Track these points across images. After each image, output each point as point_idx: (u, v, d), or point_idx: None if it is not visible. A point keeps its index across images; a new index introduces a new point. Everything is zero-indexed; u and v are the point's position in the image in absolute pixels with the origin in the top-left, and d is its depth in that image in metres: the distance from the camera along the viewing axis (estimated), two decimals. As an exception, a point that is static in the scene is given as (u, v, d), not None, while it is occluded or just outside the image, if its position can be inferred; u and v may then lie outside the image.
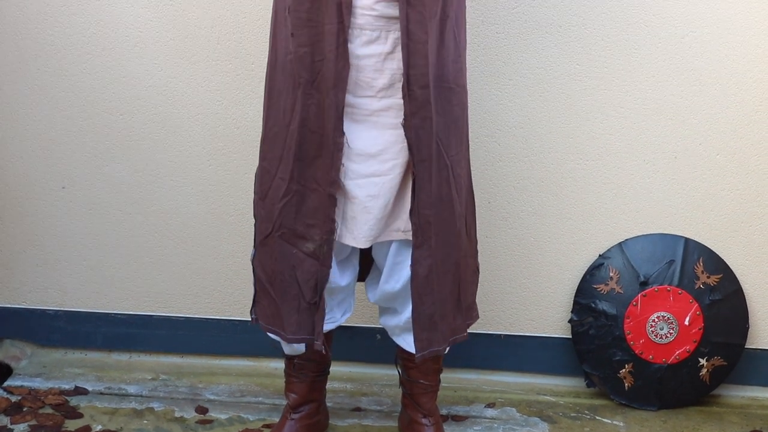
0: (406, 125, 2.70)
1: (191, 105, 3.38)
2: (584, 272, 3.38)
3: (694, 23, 3.22)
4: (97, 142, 3.43)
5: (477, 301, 3.00)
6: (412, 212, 2.74)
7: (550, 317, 3.46)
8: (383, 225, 2.79)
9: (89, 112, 3.41)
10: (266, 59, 2.86)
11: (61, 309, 3.57)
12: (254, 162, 2.90)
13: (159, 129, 3.40)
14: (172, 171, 3.43)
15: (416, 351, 2.82)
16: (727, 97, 3.27)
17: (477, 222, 3.05)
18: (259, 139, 2.84)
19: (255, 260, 2.88)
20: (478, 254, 2.99)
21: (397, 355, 3.07)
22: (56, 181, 3.47)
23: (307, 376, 3.05)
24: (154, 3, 3.31)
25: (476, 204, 3.11)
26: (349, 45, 2.67)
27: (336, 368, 3.25)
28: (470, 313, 2.95)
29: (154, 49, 3.34)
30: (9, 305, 3.58)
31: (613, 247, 3.37)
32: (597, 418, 3.30)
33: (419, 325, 2.81)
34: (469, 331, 2.94)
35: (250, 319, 2.99)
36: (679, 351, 3.33)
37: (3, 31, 3.37)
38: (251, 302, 2.92)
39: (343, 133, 2.70)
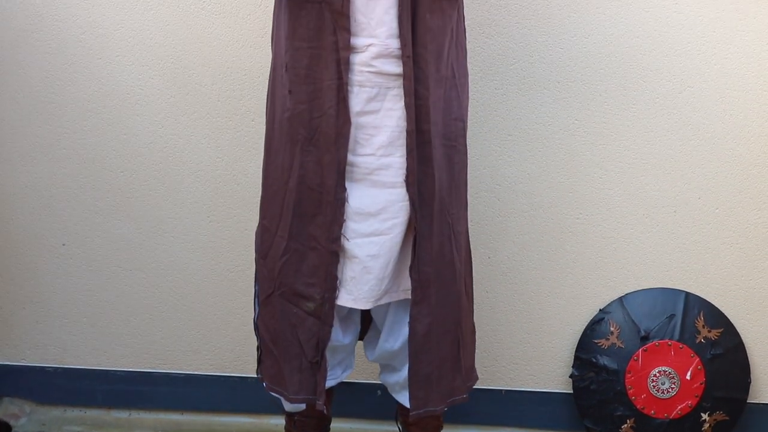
0: (409, 182, 2.70)
1: (192, 162, 3.39)
2: (585, 327, 3.38)
3: (691, 78, 3.24)
4: (98, 198, 3.44)
5: (477, 356, 2.99)
6: (412, 269, 2.73)
7: (551, 372, 3.44)
8: (384, 286, 2.77)
9: (90, 169, 3.42)
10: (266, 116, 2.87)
11: (61, 366, 3.56)
12: (255, 218, 2.90)
13: (159, 185, 3.41)
14: (172, 227, 3.44)
15: (411, 409, 2.80)
16: (725, 151, 3.28)
17: (477, 276, 3.05)
18: (259, 195, 2.84)
19: (258, 320, 2.87)
20: (474, 313, 2.98)
21: (398, 412, 3.05)
22: (56, 238, 3.48)
23: None
24: (156, 60, 3.33)
25: (476, 259, 3.11)
26: (349, 102, 2.68)
27: (336, 424, 3.24)
28: (470, 374, 2.92)
29: (155, 106, 3.36)
30: (8, 363, 3.57)
31: (613, 301, 3.37)
32: (599, 474, 3.29)
33: (415, 383, 2.78)
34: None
35: (250, 376, 2.98)
36: (681, 406, 3.31)
37: (5, 88, 3.39)
38: (257, 361, 2.90)
39: (345, 188, 2.69)
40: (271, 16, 2.85)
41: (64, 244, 3.48)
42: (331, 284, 2.73)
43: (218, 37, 3.31)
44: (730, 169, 3.29)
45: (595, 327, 3.36)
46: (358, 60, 2.67)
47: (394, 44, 2.65)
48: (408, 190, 2.70)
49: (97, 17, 3.32)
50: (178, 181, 3.41)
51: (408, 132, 2.68)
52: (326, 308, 2.74)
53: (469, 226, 2.87)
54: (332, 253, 2.71)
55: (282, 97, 2.74)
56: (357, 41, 2.66)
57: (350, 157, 2.71)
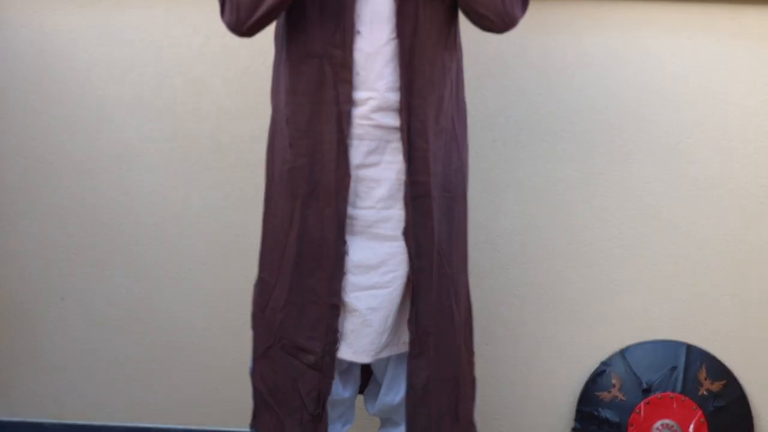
0: (407, 235, 2.70)
1: (191, 214, 3.39)
2: (586, 380, 3.36)
3: (688, 130, 3.25)
4: (97, 253, 3.44)
5: (477, 409, 2.97)
6: (410, 321, 2.72)
7: (552, 426, 3.42)
8: (384, 339, 2.76)
9: (89, 224, 3.42)
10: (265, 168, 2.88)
11: (59, 421, 3.54)
12: (253, 270, 2.90)
13: (158, 238, 3.41)
14: (171, 280, 3.43)
15: None
16: (723, 202, 3.29)
17: (477, 328, 3.04)
18: (258, 248, 2.84)
19: (254, 373, 2.85)
20: (475, 366, 2.96)
21: (398, 466, 3.03)
22: (55, 292, 3.47)
23: None
24: (154, 115, 3.34)
25: (476, 311, 3.10)
26: (349, 155, 2.68)
27: (337, 480, 3.21)
28: (470, 428, 2.90)
29: (153, 160, 3.37)
30: (5, 418, 3.55)
31: (614, 353, 3.36)
32: None
33: None
34: (470, 439, 2.90)
35: (249, 430, 2.95)
36: (684, 459, 3.29)
37: (5, 147, 3.40)
38: (252, 415, 2.89)
39: (345, 242, 2.69)
40: (270, 68, 2.87)
41: (62, 298, 3.47)
42: (331, 337, 2.72)
43: (216, 91, 3.32)
44: (729, 220, 3.29)
45: (596, 379, 3.35)
46: (358, 113, 2.68)
47: (394, 97, 2.66)
48: (406, 242, 2.70)
49: (97, 75, 3.34)
50: (176, 233, 3.41)
51: (406, 184, 2.68)
52: (327, 361, 2.73)
53: (469, 277, 2.87)
54: (332, 306, 2.70)
55: (282, 150, 2.74)
56: (357, 95, 2.67)
57: (350, 210, 2.71)
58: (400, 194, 2.71)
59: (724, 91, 3.23)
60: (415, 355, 2.73)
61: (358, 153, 2.70)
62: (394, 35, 2.65)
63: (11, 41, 3.35)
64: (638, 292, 3.35)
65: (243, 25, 2.65)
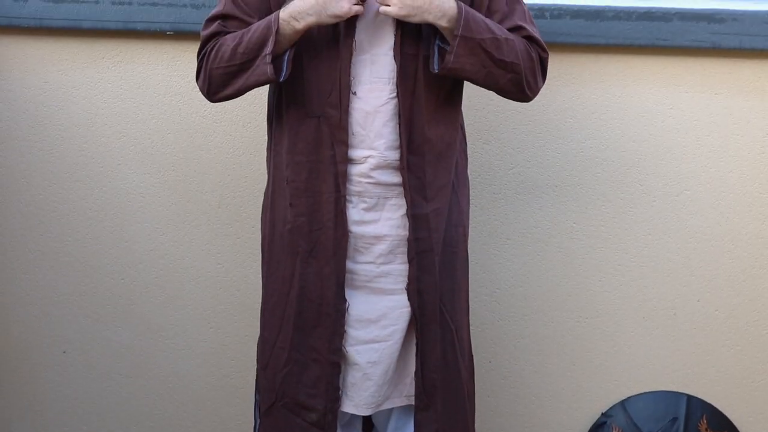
0: (410, 290, 2.71)
1: (192, 268, 3.40)
2: (587, 431, 3.36)
3: (688, 181, 3.27)
4: (98, 306, 3.44)
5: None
6: (417, 375, 2.72)
7: (554, 477, 3.42)
8: (385, 391, 2.76)
9: (91, 276, 3.43)
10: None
11: (60, 475, 3.54)
12: (255, 324, 2.90)
13: (160, 292, 3.42)
14: (173, 335, 3.44)
15: None
16: (723, 253, 3.30)
17: (478, 380, 3.04)
18: (259, 301, 2.85)
19: (259, 430, 2.85)
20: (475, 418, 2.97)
21: None
22: (57, 345, 3.47)
23: None
24: (157, 168, 3.36)
25: (477, 362, 3.10)
26: (348, 213, 2.70)
27: None
28: None
29: (156, 213, 3.38)
30: (7, 472, 3.55)
31: (615, 405, 3.36)
32: None
33: None
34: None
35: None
36: None
37: (8, 197, 3.42)
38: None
39: (345, 300, 2.70)
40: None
41: (64, 352, 3.47)
42: (333, 395, 2.72)
43: (218, 145, 3.34)
44: (728, 271, 3.30)
45: (597, 431, 3.35)
46: (357, 171, 2.70)
47: (393, 155, 2.68)
48: (409, 299, 2.71)
49: (99, 127, 3.36)
50: (178, 287, 3.41)
51: (408, 241, 2.69)
52: (329, 419, 2.73)
53: (470, 330, 2.88)
54: (333, 364, 2.71)
55: (283, 210, 2.75)
56: (356, 153, 2.69)
57: (350, 265, 2.73)
58: (400, 249, 2.72)
59: (722, 144, 3.25)
60: (422, 408, 2.73)
61: (357, 210, 2.72)
62: (394, 95, 2.67)
63: (14, 94, 3.38)
64: (638, 343, 3.35)
65: (212, 96, 2.73)
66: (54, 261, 3.44)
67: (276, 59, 2.62)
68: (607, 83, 3.25)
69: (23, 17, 3.30)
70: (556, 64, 3.20)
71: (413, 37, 2.66)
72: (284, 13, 2.61)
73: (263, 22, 2.64)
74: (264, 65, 2.62)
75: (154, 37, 3.30)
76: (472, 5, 2.70)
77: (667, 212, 3.29)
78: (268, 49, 2.61)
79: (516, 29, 2.71)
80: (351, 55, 2.66)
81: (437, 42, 2.64)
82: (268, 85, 2.76)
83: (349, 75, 2.66)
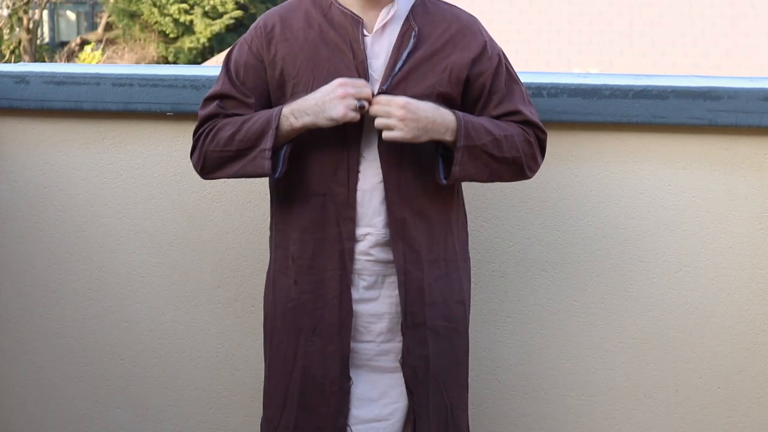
0: (404, 363, 2.71)
1: (192, 348, 3.39)
2: None
3: (687, 258, 3.27)
4: (98, 387, 3.43)
5: None
6: None
7: None
8: None
9: (90, 357, 3.43)
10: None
11: None
12: (256, 405, 2.90)
13: (159, 373, 3.41)
14: (172, 415, 3.42)
15: None
16: (724, 330, 3.29)
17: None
18: (261, 381, 2.84)
19: None
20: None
21: None
22: (56, 427, 3.46)
23: None
24: (156, 248, 3.37)
25: (478, 442, 3.09)
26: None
27: None
28: None
29: (156, 293, 3.38)
30: None
31: (618, 484, 3.34)
32: None
33: None
34: None
35: None
36: None
37: (8, 278, 3.43)
38: None
39: (350, 378, 2.71)
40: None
41: (63, 434, 3.46)
42: None
43: (218, 224, 3.35)
44: (729, 348, 3.29)
45: None
46: (358, 249, 2.72)
47: (390, 233, 2.70)
48: (403, 371, 2.72)
49: (99, 207, 3.38)
50: (178, 368, 3.41)
51: (402, 314, 2.71)
52: None
53: (469, 408, 2.87)
54: None
55: (287, 289, 2.76)
56: (356, 231, 2.71)
57: (351, 344, 2.73)
58: (399, 327, 2.73)
59: (721, 220, 3.26)
60: None
61: (357, 289, 2.74)
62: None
63: (15, 175, 3.40)
64: (640, 421, 3.33)
65: (204, 175, 2.78)
66: (53, 342, 3.43)
67: (273, 154, 2.66)
68: (605, 161, 3.27)
69: (25, 99, 3.33)
70: (554, 142, 3.21)
71: None
72: (286, 108, 2.66)
73: (265, 114, 2.68)
74: (262, 159, 2.66)
75: (154, 118, 3.33)
76: (472, 87, 2.74)
77: (666, 289, 3.29)
78: (267, 143, 2.65)
79: (514, 113, 2.76)
80: (361, 134, 2.69)
81: (439, 151, 2.70)
82: None
83: (359, 154, 2.69)
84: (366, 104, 2.61)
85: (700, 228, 3.27)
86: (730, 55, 16.84)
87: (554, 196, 3.28)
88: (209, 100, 2.79)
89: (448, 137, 2.66)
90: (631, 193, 3.27)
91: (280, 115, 2.65)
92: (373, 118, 2.64)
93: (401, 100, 2.61)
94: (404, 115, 2.60)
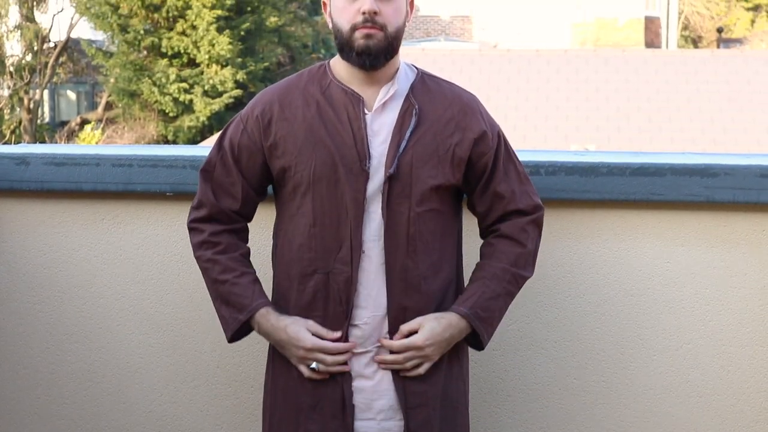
0: None
1: (190, 429, 3.37)
2: None
3: (687, 335, 3.27)
4: (96, 469, 3.41)
5: None
6: None
7: None
8: None
9: (88, 438, 3.41)
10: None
11: None
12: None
13: (158, 454, 3.39)
14: (171, 498, 3.39)
15: None
16: (726, 408, 3.27)
17: None
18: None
19: None
20: None
21: None
22: None
23: None
24: (155, 329, 3.36)
25: None
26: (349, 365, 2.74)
27: None
28: None
29: (154, 374, 3.37)
30: None
31: None
32: None
33: None
34: None
35: None
36: None
37: (6, 360, 3.41)
38: None
39: None
40: (270, 281, 2.91)
41: None
42: None
43: (218, 304, 3.34)
44: (732, 427, 3.27)
45: None
46: (359, 329, 2.75)
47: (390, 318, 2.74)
48: None
49: (99, 288, 3.37)
50: (177, 449, 3.38)
51: (400, 394, 2.72)
52: None
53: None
54: None
55: (286, 365, 2.77)
56: (358, 312, 2.72)
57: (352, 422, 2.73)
58: (399, 405, 2.73)
59: (720, 297, 3.26)
60: None
61: (358, 363, 2.73)
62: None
63: (14, 256, 3.40)
64: (644, 501, 3.30)
65: (191, 242, 2.90)
66: (51, 425, 3.41)
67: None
68: (603, 238, 3.27)
69: (25, 180, 3.34)
70: (552, 219, 3.23)
71: (404, 194, 2.72)
72: (261, 315, 2.80)
73: (245, 293, 2.82)
74: (224, 324, 2.87)
75: (153, 198, 3.34)
76: (474, 167, 2.77)
77: (667, 366, 3.27)
78: (228, 331, 2.86)
79: (516, 213, 2.84)
80: (363, 214, 2.71)
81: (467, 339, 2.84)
82: (271, 240, 2.90)
83: (361, 235, 2.70)
84: (319, 366, 2.71)
85: (700, 305, 3.26)
86: (727, 131, 16.95)
87: (553, 274, 3.28)
88: (205, 185, 2.86)
89: (466, 333, 2.80)
90: (629, 270, 3.27)
91: (252, 316, 2.81)
92: (375, 188, 2.69)
93: (421, 340, 2.72)
94: (431, 353, 2.73)
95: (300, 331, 2.73)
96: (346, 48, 2.71)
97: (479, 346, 2.84)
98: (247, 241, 2.89)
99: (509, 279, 2.81)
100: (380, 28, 2.68)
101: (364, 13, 2.66)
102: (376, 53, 2.69)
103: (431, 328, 2.72)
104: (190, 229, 2.88)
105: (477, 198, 2.83)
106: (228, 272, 2.79)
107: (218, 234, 2.82)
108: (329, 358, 2.72)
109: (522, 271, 2.84)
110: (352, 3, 2.69)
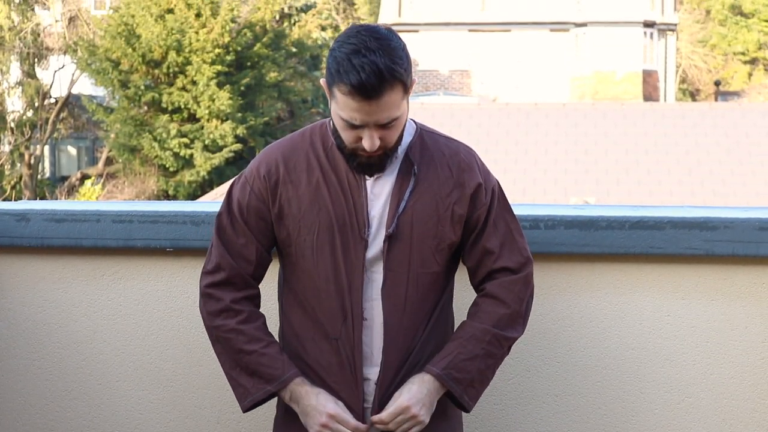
0: None
1: (191, 486, 3.36)
2: None
3: (689, 389, 3.26)
4: None
5: None
6: None
7: None
8: None
9: (88, 496, 3.38)
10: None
11: None
12: None
13: None
14: None
15: None
16: (728, 461, 3.26)
17: None
18: None
19: None
20: None
21: None
22: None
23: None
24: (155, 385, 3.35)
25: None
26: None
27: None
28: None
29: (154, 430, 3.36)
30: None
31: None
32: None
33: None
34: None
35: None
36: None
37: (5, 416, 3.40)
38: None
39: None
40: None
41: None
42: None
43: (217, 361, 3.32)
44: (735, 480, 3.26)
45: None
46: (370, 386, 2.78)
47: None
48: None
49: (98, 344, 3.37)
50: (176, 507, 3.36)
51: None
52: None
53: None
54: None
55: (297, 425, 2.78)
56: (365, 369, 2.74)
57: None
58: None
59: (722, 350, 3.25)
60: None
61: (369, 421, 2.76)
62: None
63: (14, 312, 3.40)
64: None
65: (206, 309, 2.84)
66: (50, 482, 3.40)
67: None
68: (603, 291, 3.27)
69: (25, 237, 3.35)
70: (552, 273, 3.24)
71: (404, 253, 2.73)
72: (296, 386, 2.77)
73: (272, 368, 2.78)
74: (242, 396, 2.83)
75: (153, 254, 3.35)
76: (469, 221, 2.78)
77: (669, 420, 3.26)
78: (249, 401, 2.82)
79: (504, 271, 2.82)
80: (363, 278, 2.72)
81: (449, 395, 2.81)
82: (277, 302, 2.91)
83: (362, 299, 2.72)
84: None
85: (701, 358, 3.26)
86: (726, 183, 17.01)
87: (553, 328, 3.28)
88: (220, 249, 2.83)
89: (442, 392, 2.77)
90: (630, 324, 3.27)
91: (285, 386, 2.77)
92: (376, 252, 2.71)
93: (405, 400, 2.72)
94: (418, 412, 2.71)
95: (329, 399, 2.72)
96: (345, 153, 2.71)
97: (464, 407, 2.81)
98: (260, 307, 2.87)
99: (489, 340, 2.77)
100: (382, 150, 2.68)
101: (365, 150, 2.66)
102: (378, 168, 2.72)
103: (409, 389, 2.72)
104: (207, 295, 2.81)
105: (467, 252, 2.83)
106: (254, 342, 2.76)
107: (239, 302, 2.78)
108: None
109: (505, 332, 2.79)
110: (353, 130, 2.65)
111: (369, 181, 2.74)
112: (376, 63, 2.54)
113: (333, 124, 2.71)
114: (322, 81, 2.71)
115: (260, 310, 2.87)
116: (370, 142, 2.62)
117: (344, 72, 2.56)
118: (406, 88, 2.63)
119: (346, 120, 2.62)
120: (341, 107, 2.61)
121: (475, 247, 2.80)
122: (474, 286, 2.88)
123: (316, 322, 2.76)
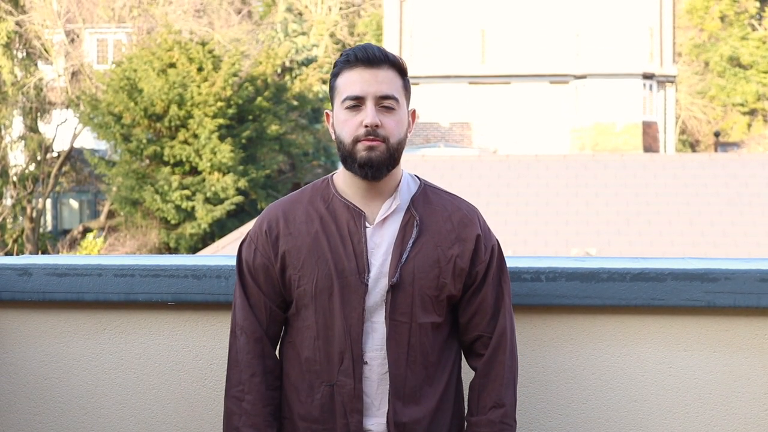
0: None
1: None
2: None
3: (692, 442, 3.25)
4: None
5: None
6: None
7: None
8: None
9: None
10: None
11: None
12: None
13: None
14: None
15: None
16: None
17: None
18: None
19: None
20: None
21: None
22: None
23: None
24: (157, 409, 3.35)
25: None
26: None
27: None
28: None
29: (155, 485, 3.35)
30: None
31: None
32: None
33: None
34: None
35: None
36: None
37: (5, 472, 3.39)
38: None
39: None
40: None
41: None
42: None
43: (219, 414, 3.32)
44: None
45: None
46: None
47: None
48: None
49: (100, 398, 3.36)
50: None
51: None
52: None
53: None
54: None
55: None
56: (365, 421, 2.73)
57: None
58: None
59: (724, 402, 3.24)
60: None
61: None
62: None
63: (15, 367, 3.39)
64: None
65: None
66: None
67: None
68: (605, 343, 3.27)
69: (27, 291, 3.35)
70: (554, 325, 3.24)
71: (407, 303, 2.74)
72: None
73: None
74: None
75: (155, 308, 3.35)
76: (467, 276, 2.79)
77: (673, 473, 3.25)
78: None
79: (488, 339, 2.85)
80: (363, 325, 2.72)
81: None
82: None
83: (363, 346, 2.72)
84: None
85: (704, 410, 3.25)
86: (726, 234, 17.01)
87: (555, 380, 3.27)
88: (243, 315, 2.86)
89: None
90: (632, 376, 3.26)
91: None
92: (377, 300, 2.72)
93: None
94: None
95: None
96: (348, 159, 2.75)
97: None
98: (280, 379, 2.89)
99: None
100: (382, 140, 2.72)
101: (366, 126, 2.70)
102: (378, 165, 2.73)
103: None
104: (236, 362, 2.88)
105: (461, 308, 2.84)
106: (251, 390, 2.83)
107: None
108: None
109: (507, 428, 2.85)
110: (354, 115, 2.74)
111: (369, 230, 2.76)
112: (372, 45, 2.75)
113: (336, 133, 2.78)
114: (327, 114, 2.83)
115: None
116: (370, 115, 2.72)
117: (344, 54, 2.75)
118: (404, 80, 2.79)
119: (347, 97, 2.73)
120: (343, 89, 2.75)
121: (470, 304, 2.82)
122: (465, 348, 2.89)
123: (315, 375, 2.76)
